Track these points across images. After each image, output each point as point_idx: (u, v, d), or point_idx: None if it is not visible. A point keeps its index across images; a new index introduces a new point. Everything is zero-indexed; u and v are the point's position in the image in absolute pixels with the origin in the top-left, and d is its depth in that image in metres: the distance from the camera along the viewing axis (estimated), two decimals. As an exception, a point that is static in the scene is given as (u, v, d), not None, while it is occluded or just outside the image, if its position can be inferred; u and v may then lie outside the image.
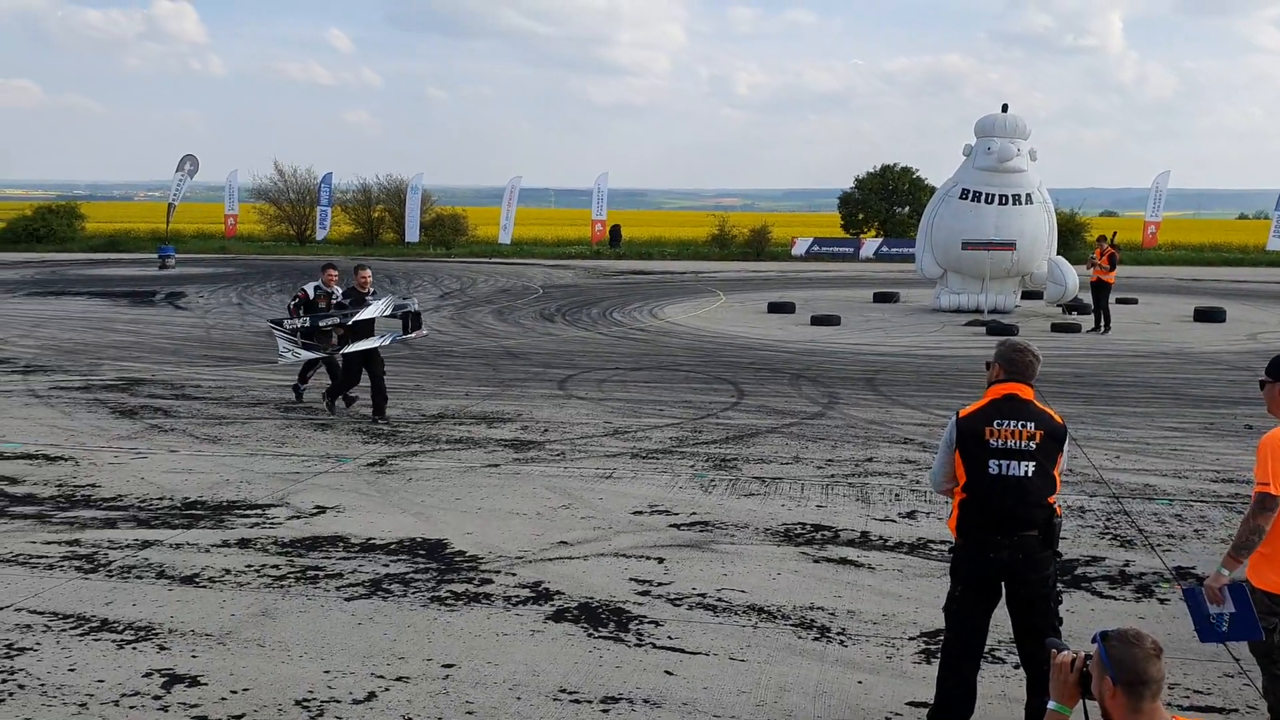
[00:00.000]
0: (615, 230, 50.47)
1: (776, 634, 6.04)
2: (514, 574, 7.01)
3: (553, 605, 6.45)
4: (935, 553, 7.43)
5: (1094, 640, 2.88)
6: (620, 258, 46.06)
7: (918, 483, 9.35)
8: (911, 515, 8.40)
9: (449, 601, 6.50)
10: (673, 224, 73.20)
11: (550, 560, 7.30)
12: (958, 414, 4.74)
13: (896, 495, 9.01)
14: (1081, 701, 2.97)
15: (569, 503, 8.72)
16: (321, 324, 12.42)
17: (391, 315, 12.86)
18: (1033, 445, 4.58)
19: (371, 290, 12.80)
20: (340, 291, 12.97)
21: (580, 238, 53.07)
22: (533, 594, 6.64)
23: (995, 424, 4.61)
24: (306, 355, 12.64)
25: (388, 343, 12.59)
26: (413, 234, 47.96)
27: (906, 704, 5.19)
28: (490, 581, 6.86)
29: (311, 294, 13.08)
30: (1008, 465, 4.57)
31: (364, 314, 12.26)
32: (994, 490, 4.59)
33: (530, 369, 16.17)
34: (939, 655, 5.03)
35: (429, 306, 25.65)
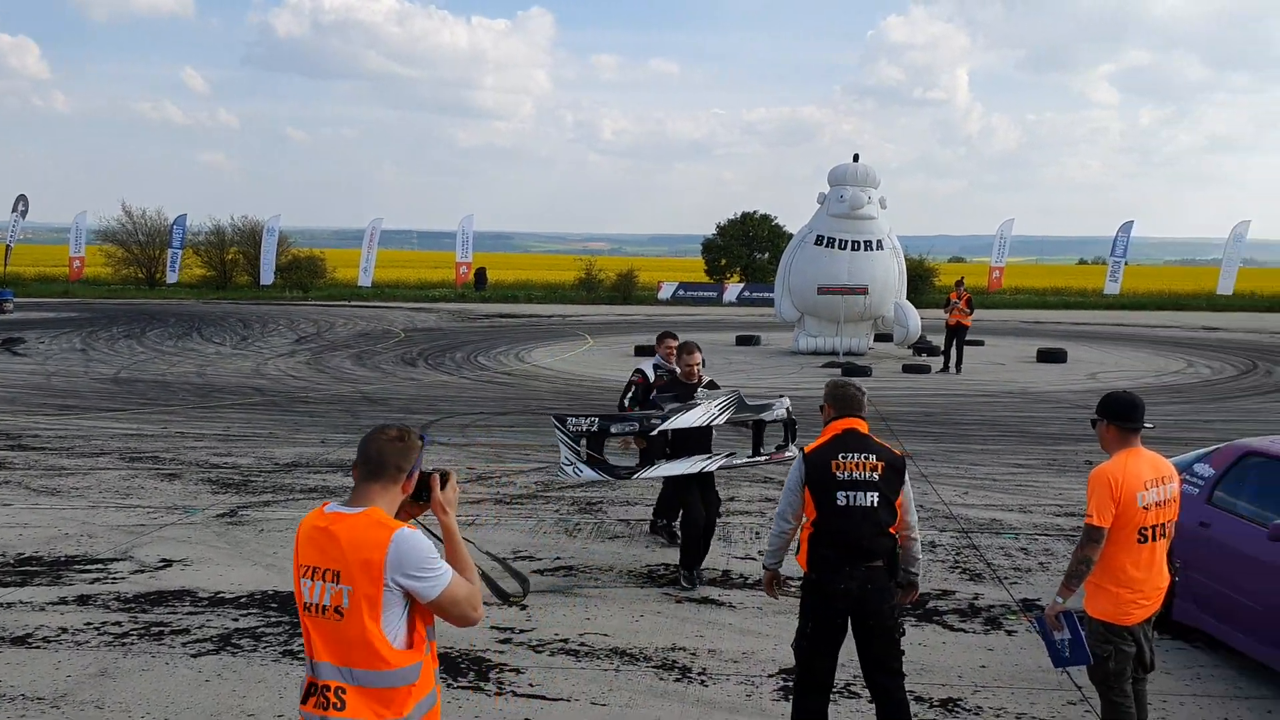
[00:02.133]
0: (480, 273, 50.25)
1: (639, 676, 6.03)
2: (371, 624, 6.82)
3: (411, 655, 6.29)
4: (793, 589, 7.52)
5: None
6: (485, 300, 45.81)
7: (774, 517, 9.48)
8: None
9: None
10: (540, 267, 73.35)
11: (409, 609, 7.13)
12: (804, 450, 4.92)
13: (756, 533, 9.12)
14: None
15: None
16: (614, 430, 7.91)
17: (737, 422, 8.22)
18: (876, 476, 4.78)
19: (701, 379, 8.32)
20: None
21: (444, 280, 52.67)
22: (391, 644, 6.47)
23: (841, 457, 4.82)
24: (590, 476, 8.01)
25: (734, 465, 8.38)
26: (268, 277, 46.84)
27: (766, 742, 5.23)
28: (346, 633, 6.66)
29: (652, 375, 8.92)
30: (854, 496, 4.76)
31: (682, 419, 7.75)
32: (841, 521, 4.74)
33: (390, 414, 15.88)
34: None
35: (282, 351, 25.04)
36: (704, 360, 8.40)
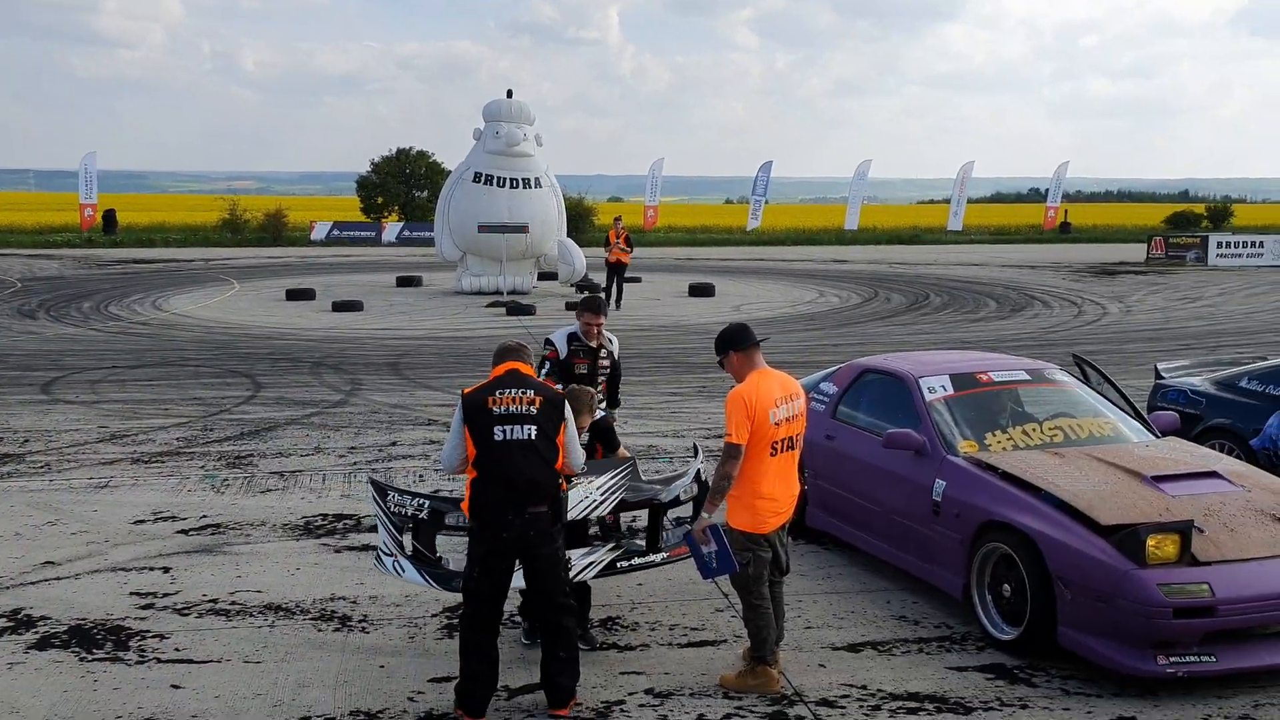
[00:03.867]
0: (109, 215, 46.07)
1: (295, 630, 5.81)
2: (-14, 604, 6.15)
3: (36, 633, 5.73)
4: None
5: None
6: (116, 245, 42.12)
7: (440, 463, 9.42)
8: (436, 494, 8.44)
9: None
10: (178, 208, 68.30)
11: (33, 584, 6.49)
12: (463, 392, 4.91)
13: (421, 476, 9.03)
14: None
15: (56, 518, 7.80)
16: (449, 522, 5.65)
17: (630, 507, 5.95)
18: (533, 410, 4.80)
19: (604, 344, 6.97)
20: (616, 348, 7.12)
21: (67, 224, 47.87)
22: (10, 623, 5.86)
23: (498, 393, 4.84)
24: (415, 580, 5.52)
25: (619, 571, 5.68)
26: None
27: (429, 681, 5.20)
28: (-44, 616, 5.97)
29: (564, 351, 6.99)
30: (511, 430, 4.77)
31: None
32: (501, 456, 4.74)
33: (6, 373, 14.30)
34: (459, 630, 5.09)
35: (-128, 306, 21.89)
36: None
